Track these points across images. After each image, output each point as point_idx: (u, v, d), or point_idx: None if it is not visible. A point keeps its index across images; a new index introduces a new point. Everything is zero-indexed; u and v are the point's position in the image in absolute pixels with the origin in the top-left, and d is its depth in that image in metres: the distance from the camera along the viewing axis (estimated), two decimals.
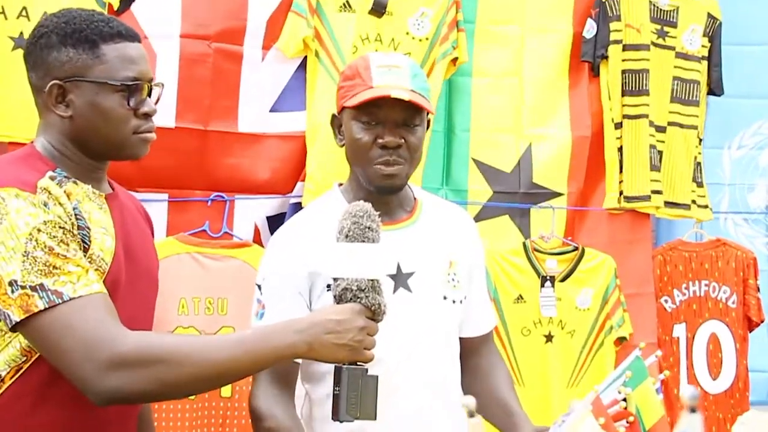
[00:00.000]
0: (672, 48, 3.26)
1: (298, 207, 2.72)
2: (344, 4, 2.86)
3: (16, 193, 1.46)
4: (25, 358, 1.49)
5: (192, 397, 2.60)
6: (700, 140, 3.33)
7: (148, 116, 1.60)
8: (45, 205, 1.47)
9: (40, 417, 1.51)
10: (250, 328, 1.82)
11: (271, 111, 2.82)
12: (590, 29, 3.15)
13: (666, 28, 3.25)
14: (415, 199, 1.99)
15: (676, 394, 3.20)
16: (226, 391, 2.67)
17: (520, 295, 3.05)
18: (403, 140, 1.84)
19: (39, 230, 1.44)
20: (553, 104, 3.15)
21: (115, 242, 1.57)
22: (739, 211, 3.56)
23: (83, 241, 1.50)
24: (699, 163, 3.33)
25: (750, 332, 3.35)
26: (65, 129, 1.57)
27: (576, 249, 3.09)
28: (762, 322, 3.34)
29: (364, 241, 1.56)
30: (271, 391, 1.80)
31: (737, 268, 3.34)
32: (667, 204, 3.24)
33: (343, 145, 1.91)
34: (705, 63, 3.32)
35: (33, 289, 1.41)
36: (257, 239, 2.79)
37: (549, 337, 3.05)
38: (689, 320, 3.31)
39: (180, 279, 2.62)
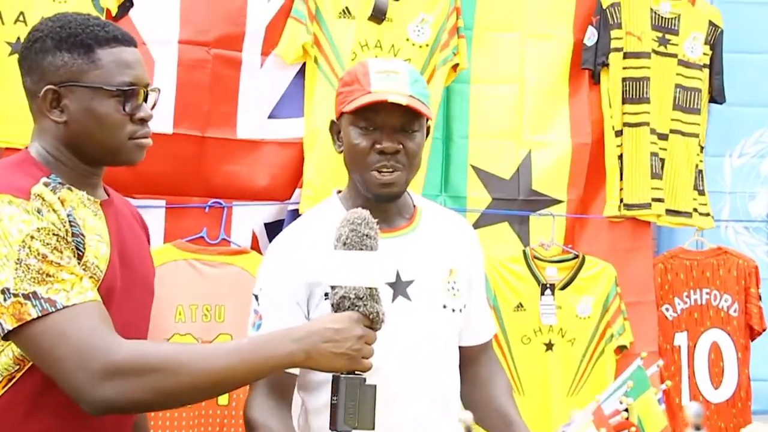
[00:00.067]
0: (674, 55, 3.25)
1: (296, 214, 2.71)
2: (344, 11, 2.85)
3: (10, 200, 1.44)
4: (18, 366, 1.47)
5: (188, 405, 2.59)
6: (702, 148, 3.33)
7: (144, 121, 1.59)
8: (38, 211, 1.45)
9: (33, 426, 1.49)
10: (247, 337, 1.80)
11: (269, 117, 2.81)
12: (591, 37, 3.14)
13: (667, 36, 3.24)
14: (414, 206, 1.97)
15: (677, 403, 3.19)
16: (223, 398, 2.66)
17: (520, 303, 3.03)
18: (401, 146, 1.82)
19: (32, 237, 1.42)
20: (553, 111, 3.14)
21: (110, 249, 1.55)
22: (740, 220, 3.55)
23: (77, 249, 1.48)
24: (700, 171, 3.32)
25: (752, 341, 3.34)
26: (60, 134, 1.55)
27: (576, 257, 3.08)
28: (764, 330, 3.33)
29: (362, 249, 1.54)
30: (266, 401, 1.78)
31: (739, 276, 3.32)
32: (669, 212, 3.23)
33: (342, 151, 1.90)
34: (706, 71, 3.32)
35: (26, 297, 1.40)
36: (255, 246, 2.78)
37: (549, 346, 3.03)
38: (690, 329, 3.29)
39: (177, 286, 2.61)
